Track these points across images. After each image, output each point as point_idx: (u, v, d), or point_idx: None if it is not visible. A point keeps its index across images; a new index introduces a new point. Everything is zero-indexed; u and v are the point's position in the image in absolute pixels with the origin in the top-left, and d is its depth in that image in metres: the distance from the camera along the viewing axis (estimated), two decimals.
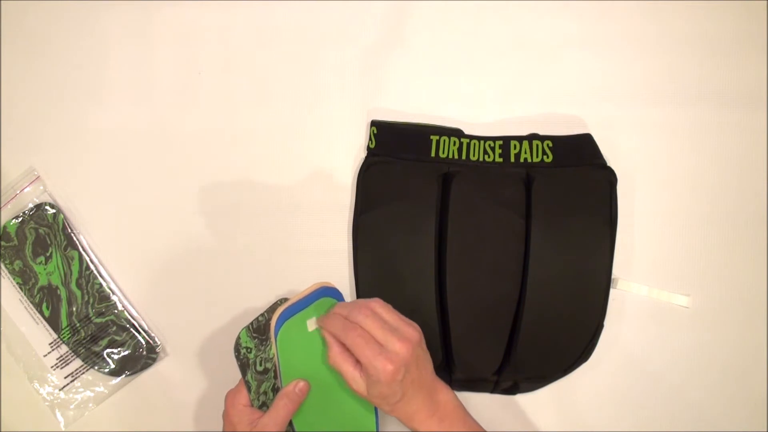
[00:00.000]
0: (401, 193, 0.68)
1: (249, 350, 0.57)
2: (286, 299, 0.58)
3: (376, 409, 0.60)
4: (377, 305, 0.57)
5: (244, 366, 0.57)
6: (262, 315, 0.58)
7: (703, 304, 0.70)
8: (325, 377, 0.58)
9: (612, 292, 0.68)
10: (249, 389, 0.57)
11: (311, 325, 0.58)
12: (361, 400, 0.58)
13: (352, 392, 0.57)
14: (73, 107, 0.72)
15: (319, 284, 0.59)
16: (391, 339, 0.54)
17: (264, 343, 0.58)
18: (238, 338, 0.57)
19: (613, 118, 0.72)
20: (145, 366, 0.69)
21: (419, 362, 0.56)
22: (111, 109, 0.72)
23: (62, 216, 0.70)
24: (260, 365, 0.57)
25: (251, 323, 0.58)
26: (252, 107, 0.73)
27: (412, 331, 0.56)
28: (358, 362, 0.55)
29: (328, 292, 0.60)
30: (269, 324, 0.57)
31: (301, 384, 0.57)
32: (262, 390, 0.58)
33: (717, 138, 0.72)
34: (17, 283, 0.69)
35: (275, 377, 0.58)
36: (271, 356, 0.57)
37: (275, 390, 0.58)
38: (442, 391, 0.59)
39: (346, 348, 0.56)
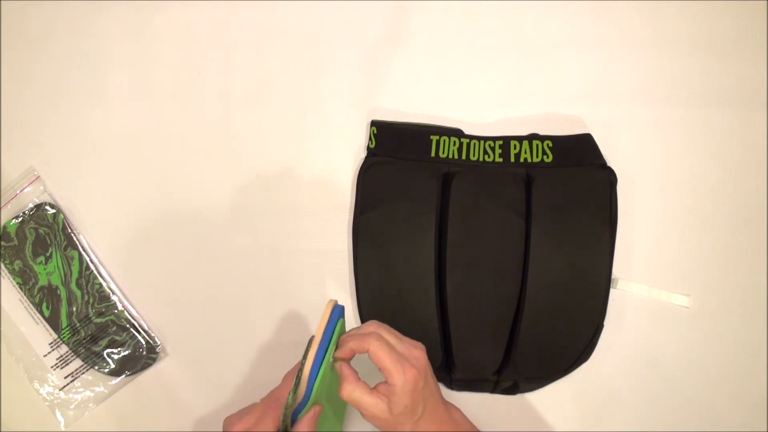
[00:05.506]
0: (401, 193, 0.68)
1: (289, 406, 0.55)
2: (313, 336, 0.57)
3: None
4: (380, 323, 0.57)
5: (284, 422, 0.55)
6: (300, 369, 0.55)
7: (703, 304, 0.70)
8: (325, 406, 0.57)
9: (612, 292, 0.68)
10: None
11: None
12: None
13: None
14: (73, 107, 0.72)
15: (331, 303, 0.57)
16: (408, 346, 0.55)
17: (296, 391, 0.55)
18: (286, 401, 0.55)
19: (613, 118, 0.72)
20: (145, 366, 0.69)
21: (432, 374, 0.57)
22: (111, 109, 0.72)
23: (62, 216, 0.70)
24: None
25: (294, 383, 0.55)
26: (252, 107, 0.73)
27: (418, 342, 0.57)
28: (372, 390, 0.55)
29: (342, 312, 0.58)
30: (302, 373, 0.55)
31: (317, 408, 0.56)
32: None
33: (717, 138, 0.72)
34: (17, 283, 0.69)
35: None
36: (290, 402, 0.55)
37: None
38: (454, 409, 0.59)
39: (358, 378, 0.55)
